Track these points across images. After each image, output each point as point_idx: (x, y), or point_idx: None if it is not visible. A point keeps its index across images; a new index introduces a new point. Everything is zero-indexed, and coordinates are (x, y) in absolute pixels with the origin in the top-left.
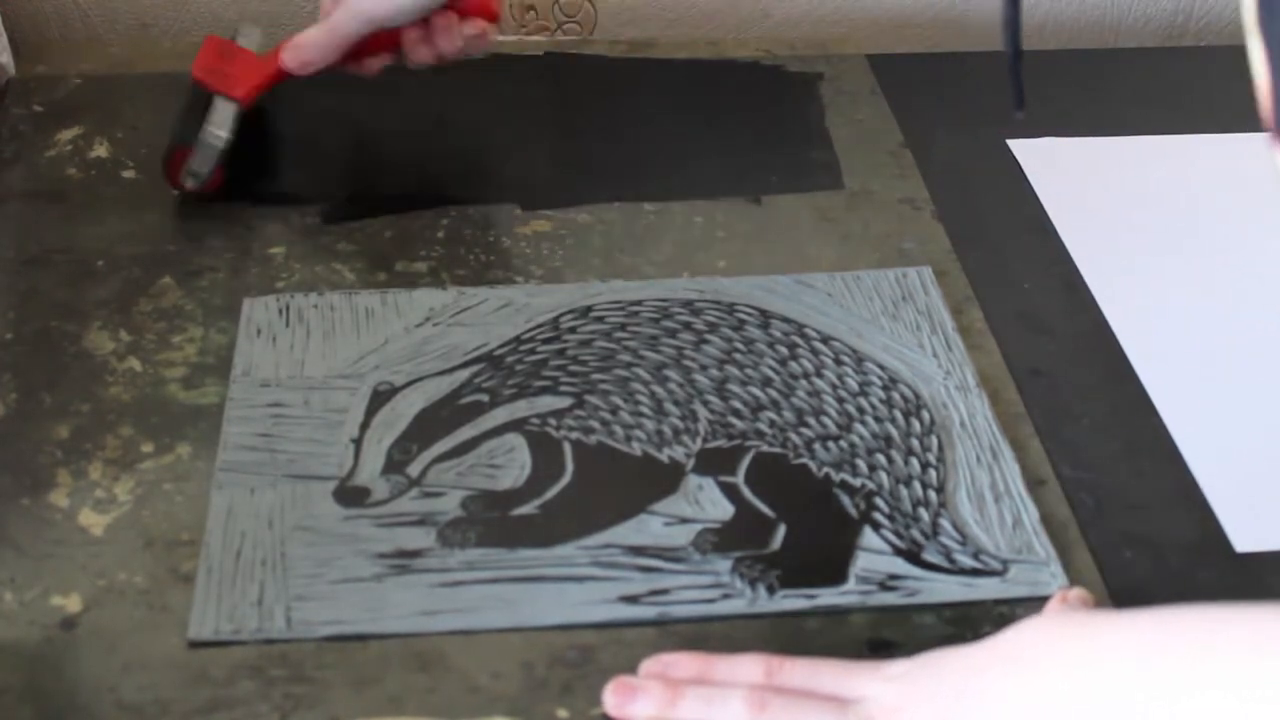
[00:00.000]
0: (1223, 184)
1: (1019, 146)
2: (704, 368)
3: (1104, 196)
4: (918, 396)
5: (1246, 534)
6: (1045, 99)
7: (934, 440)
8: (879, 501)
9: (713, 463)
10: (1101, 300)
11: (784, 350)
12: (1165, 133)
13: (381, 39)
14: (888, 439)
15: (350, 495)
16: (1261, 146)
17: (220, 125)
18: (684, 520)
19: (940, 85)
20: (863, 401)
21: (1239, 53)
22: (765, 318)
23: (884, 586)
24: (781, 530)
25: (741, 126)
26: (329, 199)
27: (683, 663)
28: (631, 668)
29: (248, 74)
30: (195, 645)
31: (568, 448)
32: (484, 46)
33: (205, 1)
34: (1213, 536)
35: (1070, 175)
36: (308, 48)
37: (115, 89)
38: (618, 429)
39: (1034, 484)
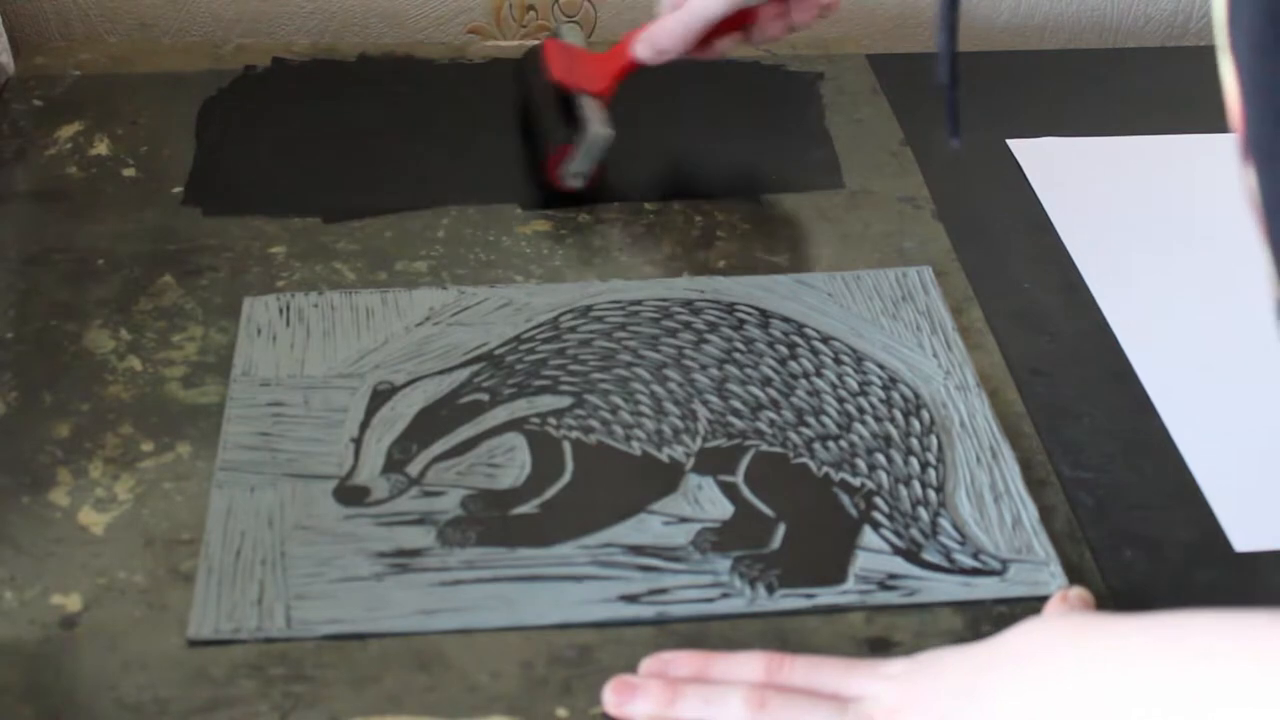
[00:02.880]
0: (1223, 184)
1: (1019, 146)
2: (704, 367)
3: (1104, 196)
4: (917, 396)
5: (1246, 534)
6: (1045, 99)
7: (934, 440)
8: (879, 501)
9: (712, 462)
10: (1101, 300)
11: (784, 350)
12: (1165, 133)
13: (735, 18)
14: (887, 438)
15: (350, 494)
16: None
17: (600, 121)
18: (683, 519)
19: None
20: (862, 401)
21: None
22: (765, 317)
23: (883, 586)
24: (781, 530)
25: (741, 126)
26: (330, 198)
27: (682, 661)
28: (631, 667)
29: (601, 70)
30: (195, 644)
31: (567, 447)
32: (833, 13)
33: (205, 1)
34: (1212, 536)
35: (1070, 175)
36: (664, 36)
37: (115, 86)
38: (617, 428)
39: (1034, 484)
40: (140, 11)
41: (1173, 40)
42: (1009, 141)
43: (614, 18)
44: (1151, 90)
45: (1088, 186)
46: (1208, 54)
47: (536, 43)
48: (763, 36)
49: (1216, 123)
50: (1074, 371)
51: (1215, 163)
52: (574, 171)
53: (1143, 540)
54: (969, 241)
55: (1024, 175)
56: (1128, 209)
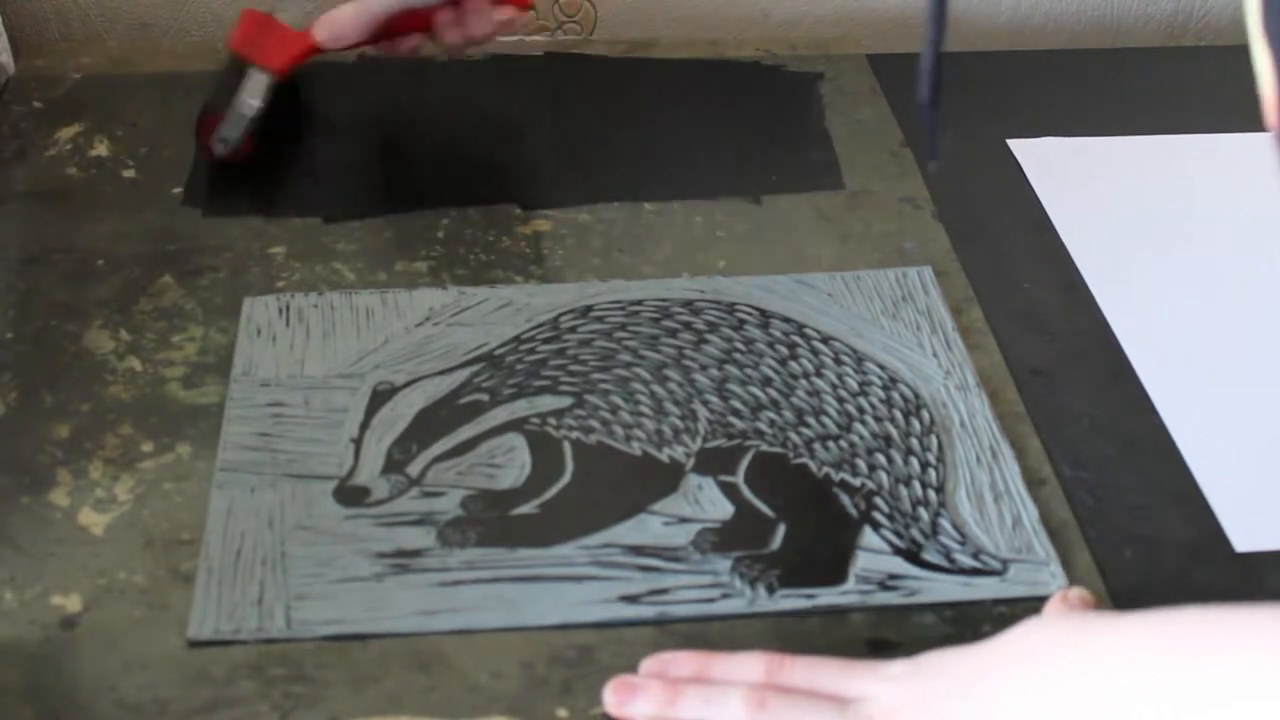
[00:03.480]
0: (1223, 184)
1: (1019, 146)
2: (704, 367)
3: (1104, 196)
4: (918, 396)
5: (1246, 534)
6: (1045, 99)
7: (934, 440)
8: (879, 501)
9: (712, 462)
10: (1101, 300)
11: (784, 350)
12: (1165, 133)
13: (413, 18)
14: (887, 439)
15: (350, 495)
16: (1261, 146)
17: (253, 94)
18: (684, 520)
19: (949, 86)
20: (863, 401)
21: (1239, 53)
22: (765, 317)
23: (884, 586)
24: (781, 530)
25: (741, 126)
26: (330, 199)
27: (682, 661)
28: (631, 667)
29: (283, 46)
30: (195, 644)
31: (567, 447)
32: (514, 31)
33: (205, 1)
34: (1213, 536)
35: (1070, 175)
36: (340, 22)
37: (115, 86)
38: (617, 428)
39: (1034, 484)
40: (140, 11)
41: (1173, 40)
42: (1009, 141)
43: (614, 17)
44: (1151, 90)
45: (1088, 186)
46: (1208, 54)
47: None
48: (443, 43)
49: (1217, 123)
50: (1074, 371)
51: (1216, 163)
52: (219, 137)
53: (1143, 540)
54: (969, 242)
55: (1024, 175)
56: (1128, 209)
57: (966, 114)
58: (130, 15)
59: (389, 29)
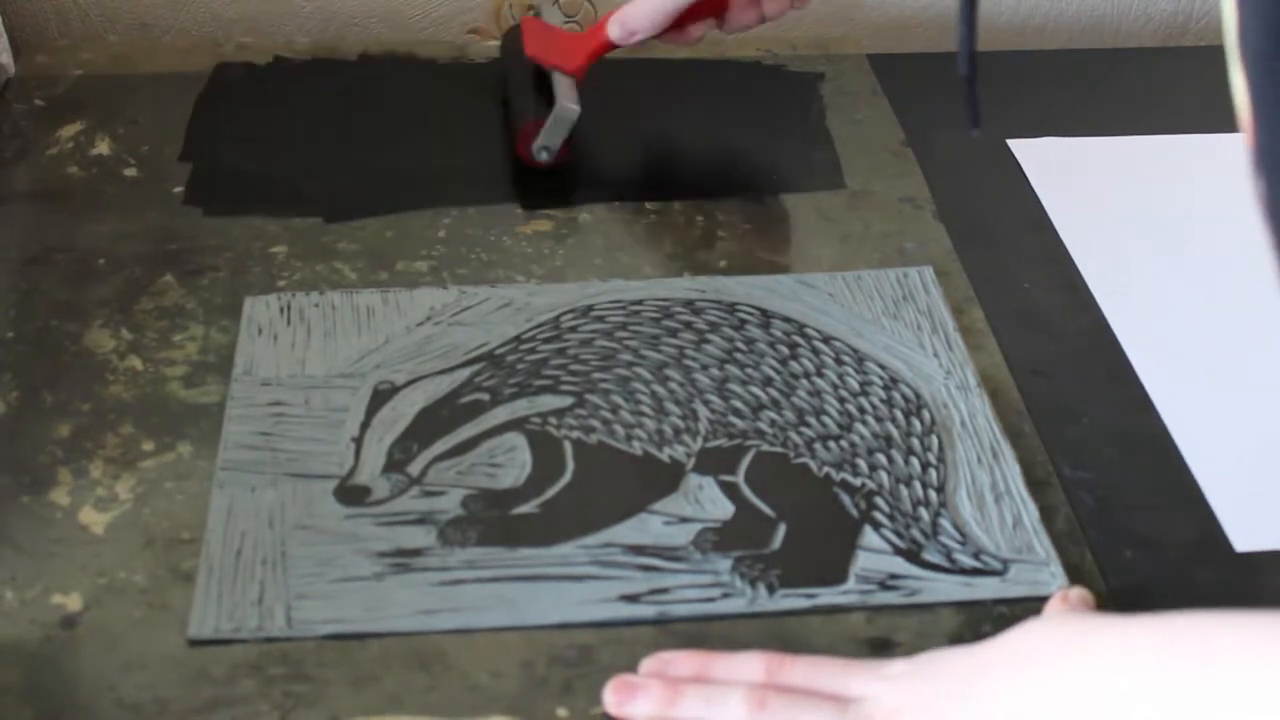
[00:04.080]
0: (1223, 184)
1: (1019, 146)
2: (705, 367)
3: (1104, 196)
4: (918, 396)
5: (1246, 534)
6: (1045, 99)
7: (934, 440)
8: (879, 501)
9: (713, 462)
10: (1101, 300)
11: (785, 350)
12: (1165, 133)
13: (708, 4)
14: (888, 439)
15: (351, 494)
16: None
17: (569, 98)
18: (684, 519)
19: (941, 85)
20: (863, 401)
21: None
22: (766, 317)
23: (884, 586)
24: (782, 530)
25: (742, 126)
26: (331, 198)
27: (683, 661)
28: (631, 667)
29: (576, 47)
30: (195, 644)
31: (568, 447)
32: (805, 6)
33: (205, 1)
34: (1213, 536)
35: (1070, 175)
36: (635, 18)
37: (117, 85)
38: (618, 428)
39: (1034, 484)
40: (140, 11)
41: (1173, 40)
42: (1009, 141)
43: None
44: (1151, 90)
45: (1088, 186)
46: (1208, 54)
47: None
48: (735, 25)
49: (1216, 123)
50: (1074, 371)
51: (1215, 163)
52: (540, 146)
53: (1143, 540)
54: (969, 242)
55: (1024, 175)
56: (1128, 209)
57: (965, 114)
58: (130, 15)
59: (682, 18)
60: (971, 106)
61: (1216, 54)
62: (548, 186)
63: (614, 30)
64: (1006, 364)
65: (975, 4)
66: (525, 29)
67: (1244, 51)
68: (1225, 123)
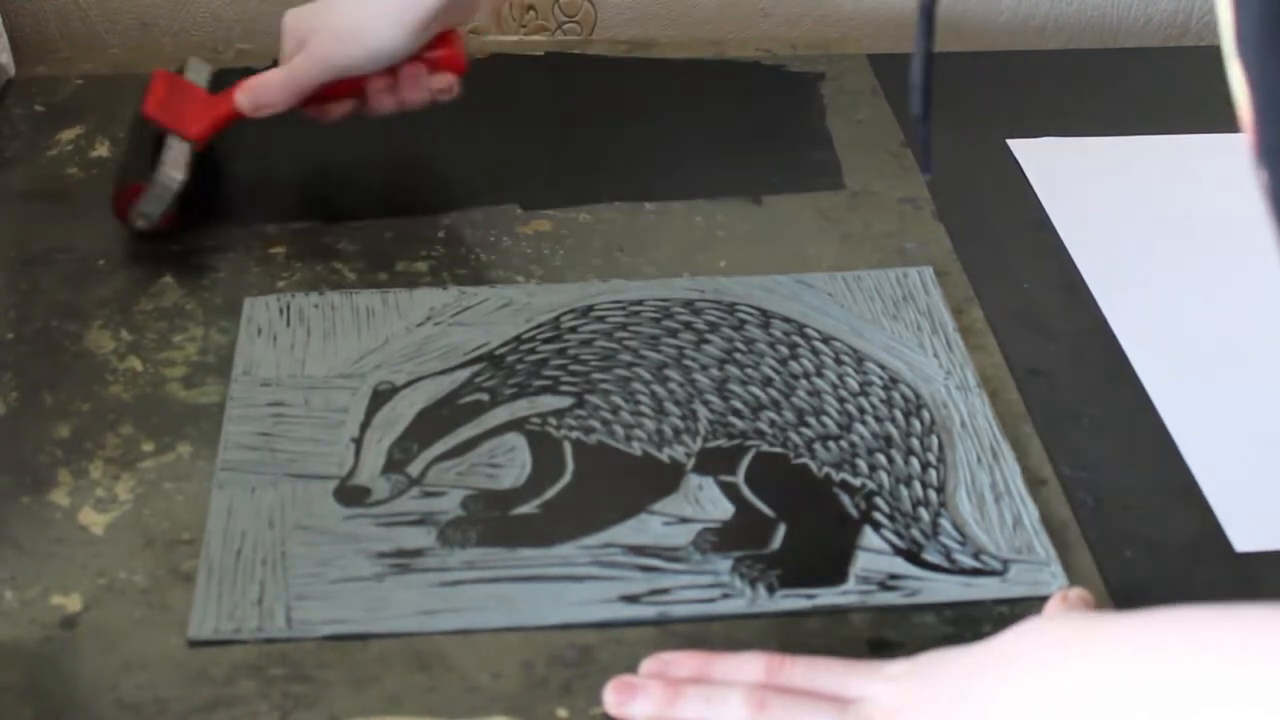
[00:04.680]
0: (1223, 184)
1: (1019, 146)
2: (704, 367)
3: (1104, 196)
4: (918, 396)
5: (1246, 534)
6: (1045, 99)
7: (934, 440)
8: (879, 501)
9: (713, 462)
10: (1101, 300)
11: (784, 350)
12: (1165, 133)
13: (344, 85)
14: (888, 439)
15: (351, 494)
16: None
17: (175, 166)
18: (684, 520)
19: (941, 85)
20: (863, 401)
21: None
22: (766, 317)
23: (884, 586)
24: (781, 530)
25: (741, 126)
26: (330, 199)
27: (682, 661)
28: (631, 667)
29: (201, 113)
30: (195, 644)
31: (568, 447)
32: (450, 98)
33: (205, 1)
34: (1213, 536)
35: (1070, 175)
36: (265, 90)
37: (116, 89)
38: (618, 428)
39: (1034, 484)
40: (140, 12)
41: (1173, 40)
42: (1009, 141)
43: (614, 17)
44: (1151, 90)
45: (1088, 186)
46: (1208, 54)
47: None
48: (374, 108)
49: (1217, 122)
50: (1074, 371)
51: (1216, 162)
52: (141, 212)
53: (1143, 540)
54: (969, 242)
55: (1024, 175)
56: (1128, 209)
57: (966, 114)
58: (130, 15)
59: (318, 96)
60: (925, 149)
61: (1216, 54)
62: (548, 187)
63: (243, 101)
64: (1006, 364)
65: (932, 44)
66: (153, 84)
67: (1241, 45)
68: (1225, 123)
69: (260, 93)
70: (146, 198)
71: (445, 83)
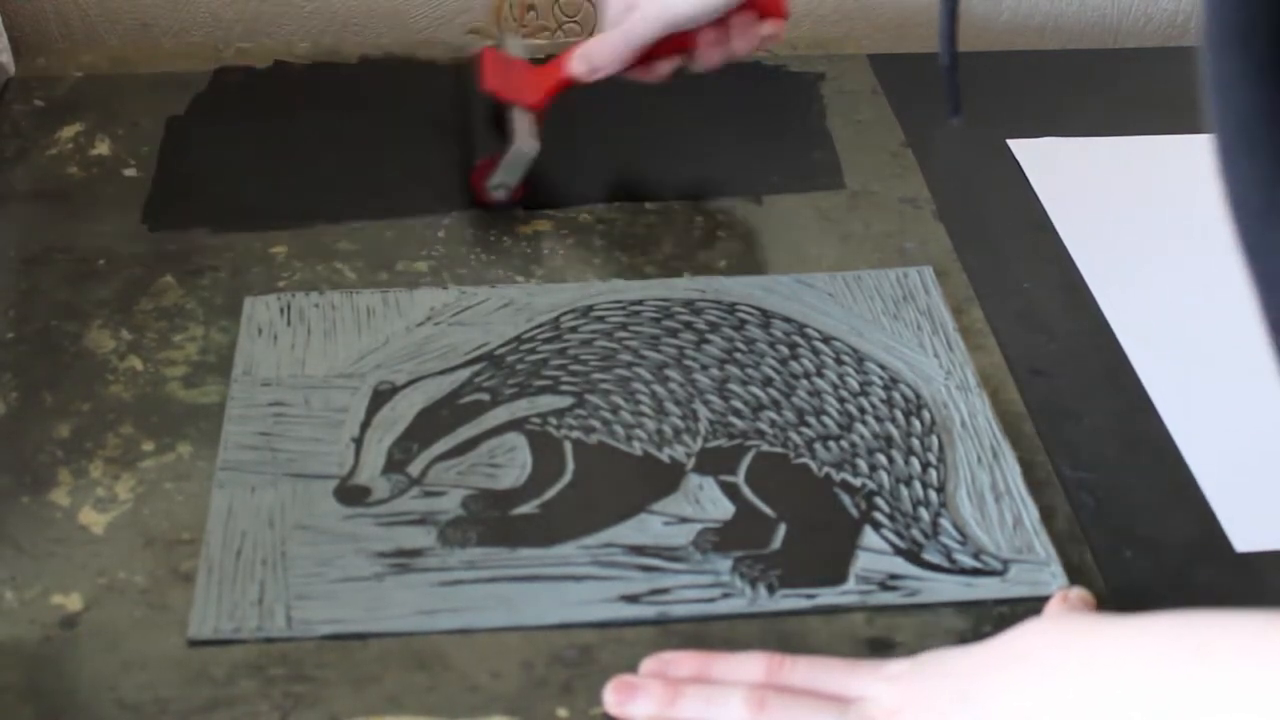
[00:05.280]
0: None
1: (1019, 146)
2: (705, 367)
3: (1104, 196)
4: (918, 396)
5: (1246, 534)
6: (1045, 99)
7: (935, 440)
8: (879, 501)
9: (713, 462)
10: (1101, 300)
11: (785, 350)
12: (1165, 133)
13: (674, 41)
14: (888, 439)
15: (351, 494)
16: None
17: (528, 134)
18: (684, 520)
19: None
20: (863, 401)
21: None
22: (766, 317)
23: (884, 586)
24: (782, 530)
25: (742, 126)
26: (332, 198)
27: (683, 661)
28: (631, 667)
29: (536, 83)
30: (195, 644)
31: (568, 447)
32: (776, 45)
33: (205, 1)
34: (1213, 536)
35: (1070, 175)
36: (599, 54)
37: (117, 87)
38: (618, 428)
39: (1034, 484)
40: (140, 11)
41: (1173, 40)
42: (1009, 141)
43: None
44: (1151, 90)
45: (1088, 186)
46: None
47: (478, 50)
48: (703, 62)
49: None
50: (1074, 371)
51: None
52: (496, 184)
53: (1143, 540)
54: (969, 241)
55: (1024, 175)
56: (1128, 209)
57: (967, 114)
58: (130, 15)
59: (648, 54)
60: (952, 95)
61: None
62: (548, 187)
63: (578, 66)
64: (1006, 364)
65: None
66: (484, 61)
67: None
68: None
69: (596, 56)
70: (504, 167)
71: (772, 29)
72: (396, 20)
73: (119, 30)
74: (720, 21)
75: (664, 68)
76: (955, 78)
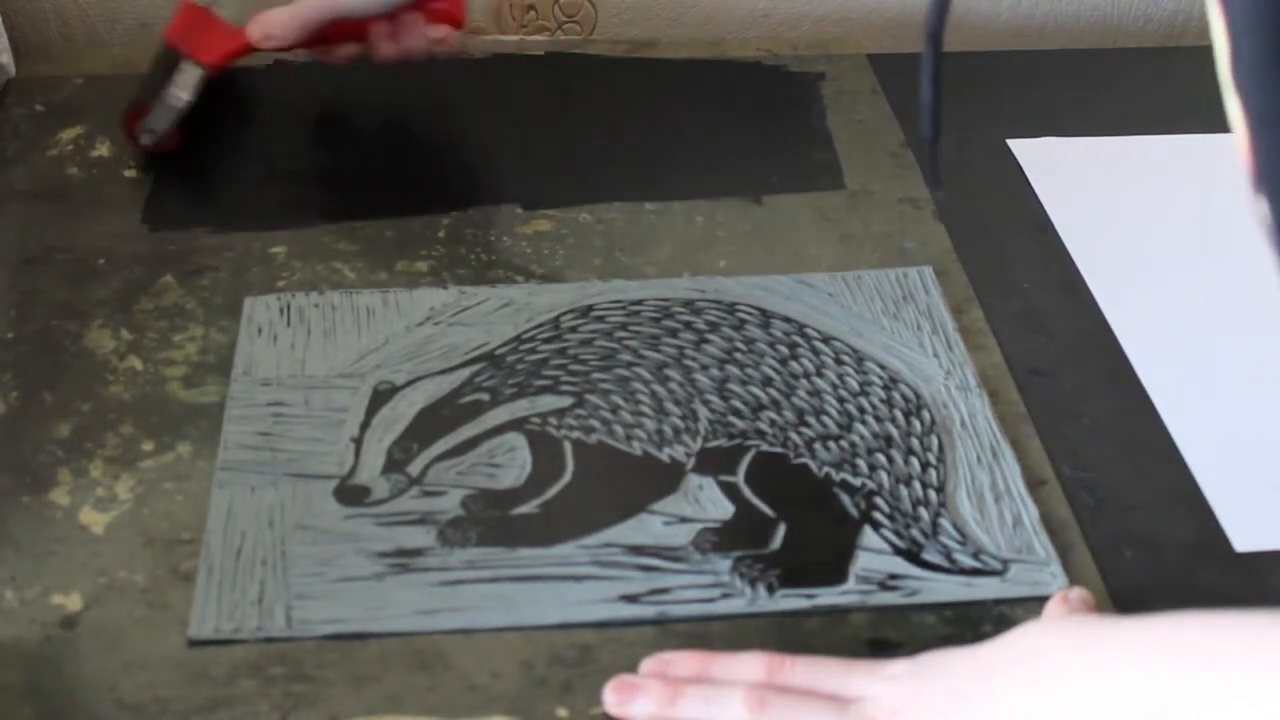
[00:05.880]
0: (1223, 184)
1: (1019, 146)
2: (705, 367)
3: (1104, 196)
4: (918, 396)
5: (1246, 534)
6: (1045, 99)
7: (934, 440)
8: (879, 501)
9: (713, 462)
10: (1101, 300)
11: (784, 350)
12: (1165, 133)
13: (347, 27)
14: (888, 439)
15: (351, 494)
16: None
17: (183, 87)
18: (684, 519)
19: (949, 86)
20: (863, 401)
21: None
22: (766, 317)
23: (884, 586)
24: (781, 530)
25: (742, 126)
26: (331, 198)
27: (683, 661)
28: (631, 667)
29: (218, 42)
30: (195, 644)
31: (568, 447)
32: (449, 49)
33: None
34: (1213, 536)
35: (1070, 175)
36: (272, 23)
37: (117, 89)
38: (618, 428)
39: (1034, 484)
40: (140, 12)
41: (1173, 40)
42: (1009, 141)
43: (614, 17)
44: (1151, 90)
45: (1088, 186)
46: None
47: None
48: (379, 52)
49: (1217, 123)
50: (1074, 371)
51: (1216, 162)
52: (147, 128)
53: (1143, 540)
54: (969, 241)
55: (1024, 175)
56: (1128, 209)
57: (966, 114)
58: (130, 15)
59: (324, 35)
60: (933, 169)
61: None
62: (548, 187)
63: (254, 32)
64: (1006, 364)
65: (940, 67)
66: (179, 11)
67: (1237, 78)
68: (1225, 123)
69: (268, 25)
70: (152, 114)
71: (443, 33)
72: None
73: (119, 31)
74: (391, 16)
75: (342, 52)
76: (937, 150)
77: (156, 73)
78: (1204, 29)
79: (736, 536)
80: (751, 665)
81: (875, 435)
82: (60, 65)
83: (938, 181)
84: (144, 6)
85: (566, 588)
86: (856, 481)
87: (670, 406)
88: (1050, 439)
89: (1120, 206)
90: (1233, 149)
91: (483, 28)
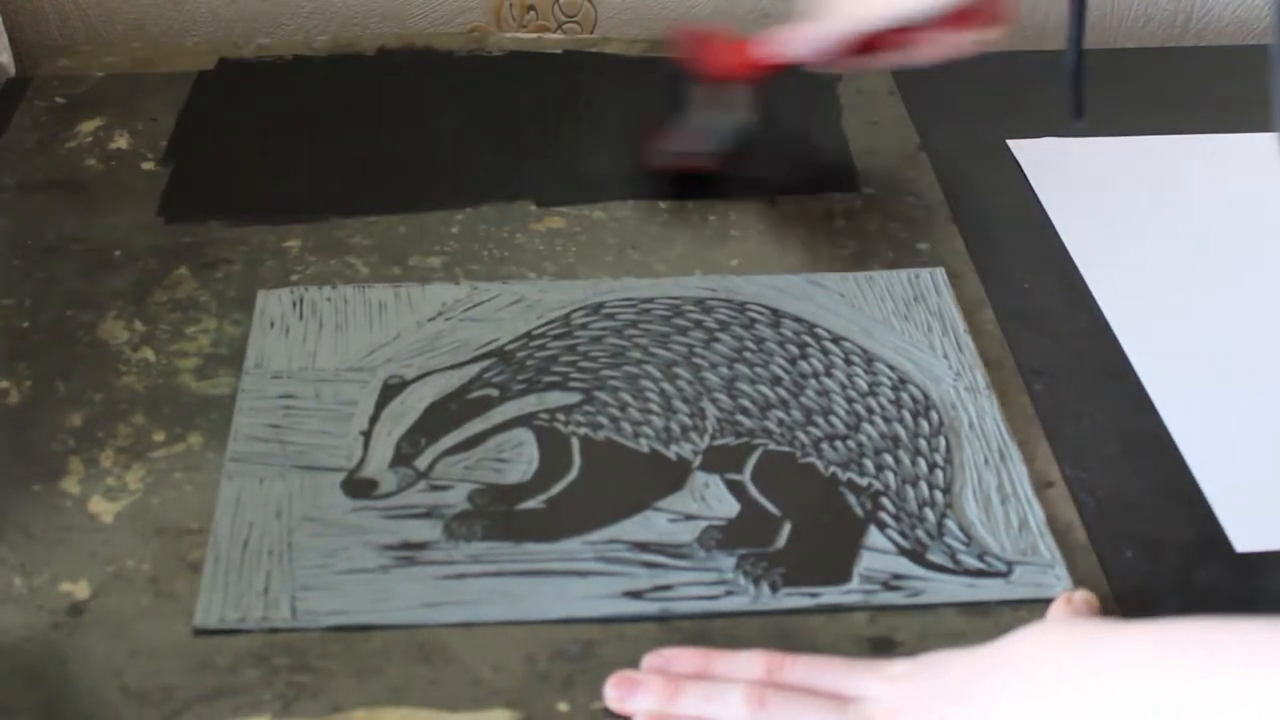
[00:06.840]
0: (1223, 184)
1: (1019, 146)
2: (714, 365)
3: (1104, 196)
4: (927, 397)
5: (1246, 534)
6: (1045, 99)
7: (942, 441)
8: (885, 501)
9: (720, 460)
10: (1101, 300)
11: (794, 349)
12: (1165, 133)
13: (888, 37)
14: (895, 439)
15: (358, 487)
16: (1262, 146)
17: (737, 107)
18: (689, 517)
19: (955, 86)
20: (871, 401)
21: (1239, 53)
22: (776, 317)
23: (888, 586)
24: (787, 528)
25: (757, 126)
26: (346, 193)
27: (684, 657)
28: (633, 662)
29: (750, 62)
30: (201, 633)
31: (575, 443)
32: (988, 49)
33: (205, 1)
34: (1213, 536)
35: (1070, 175)
36: (802, 42)
37: (138, 84)
38: (626, 425)
39: (1041, 486)
40: (139, 11)
41: (1173, 40)
42: (1009, 141)
43: (614, 17)
44: (1151, 90)
45: (1088, 186)
46: (1208, 54)
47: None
48: (918, 58)
49: (1217, 123)
50: (1074, 371)
51: (1216, 162)
52: (709, 151)
53: (1143, 540)
54: (969, 241)
55: (1024, 175)
56: (1128, 209)
57: (967, 114)
58: (129, 15)
59: (863, 47)
60: (1075, 97)
61: (1216, 54)
62: (562, 184)
63: (786, 50)
64: (1016, 365)
65: (1084, 10)
66: (693, 42)
67: None
68: (1225, 123)
69: (798, 44)
70: (709, 136)
71: (989, 35)
72: (396, 20)
73: (118, 31)
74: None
75: (881, 59)
76: (1081, 79)
77: (689, 95)
78: (1204, 29)
79: (741, 534)
80: (752, 663)
81: (883, 436)
82: (82, 63)
83: (1079, 110)
84: (143, 6)
85: (570, 583)
86: (863, 481)
87: (678, 404)
88: (1050, 439)
89: (1120, 206)
90: (1232, 149)
91: (483, 27)
